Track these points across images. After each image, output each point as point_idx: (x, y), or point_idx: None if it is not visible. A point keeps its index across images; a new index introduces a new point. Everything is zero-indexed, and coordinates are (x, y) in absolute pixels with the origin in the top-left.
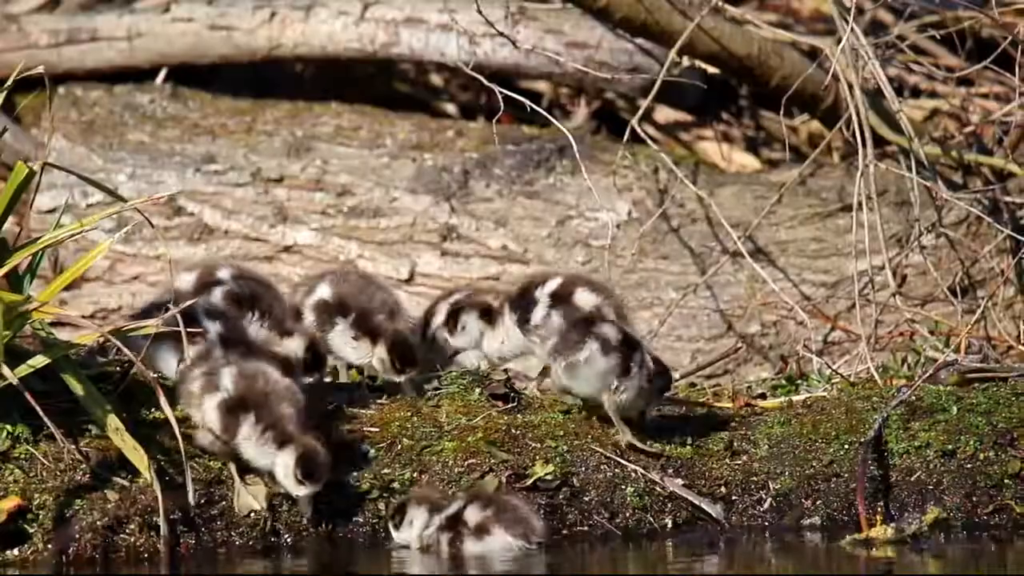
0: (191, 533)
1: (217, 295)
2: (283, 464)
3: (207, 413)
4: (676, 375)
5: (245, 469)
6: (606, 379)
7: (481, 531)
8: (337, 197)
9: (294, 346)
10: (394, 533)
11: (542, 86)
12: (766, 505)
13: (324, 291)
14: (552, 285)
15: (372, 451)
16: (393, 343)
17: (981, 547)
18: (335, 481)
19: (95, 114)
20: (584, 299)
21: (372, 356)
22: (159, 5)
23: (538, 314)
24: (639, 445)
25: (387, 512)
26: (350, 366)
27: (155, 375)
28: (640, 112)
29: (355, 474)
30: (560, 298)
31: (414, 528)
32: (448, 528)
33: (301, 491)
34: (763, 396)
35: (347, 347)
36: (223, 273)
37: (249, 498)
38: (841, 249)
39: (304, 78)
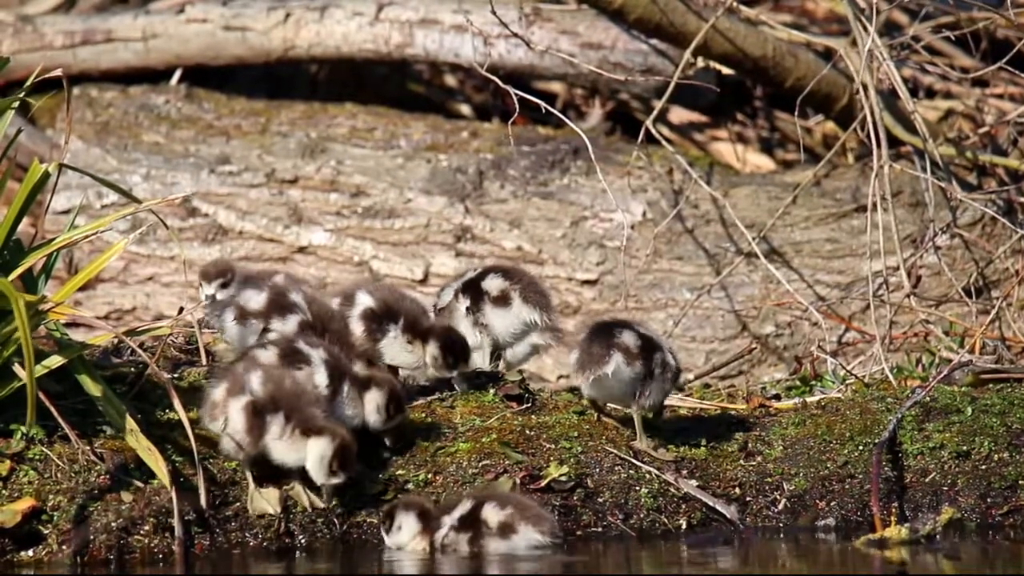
0: (206, 534)
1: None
2: (316, 453)
3: (232, 417)
4: (691, 375)
5: (261, 476)
6: (633, 387)
7: (480, 525)
8: (352, 198)
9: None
10: (385, 538)
11: (556, 87)
12: (780, 506)
13: (367, 300)
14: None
15: (386, 452)
16: (443, 340)
17: (995, 548)
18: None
19: (110, 115)
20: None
21: (424, 357)
22: (174, 6)
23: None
24: (653, 454)
25: (380, 516)
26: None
27: (169, 376)
28: (655, 113)
29: (369, 475)
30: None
31: (403, 533)
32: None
33: (332, 481)
34: (777, 397)
35: (403, 352)
36: (296, 297)
37: (263, 502)
38: (855, 250)
39: (319, 79)
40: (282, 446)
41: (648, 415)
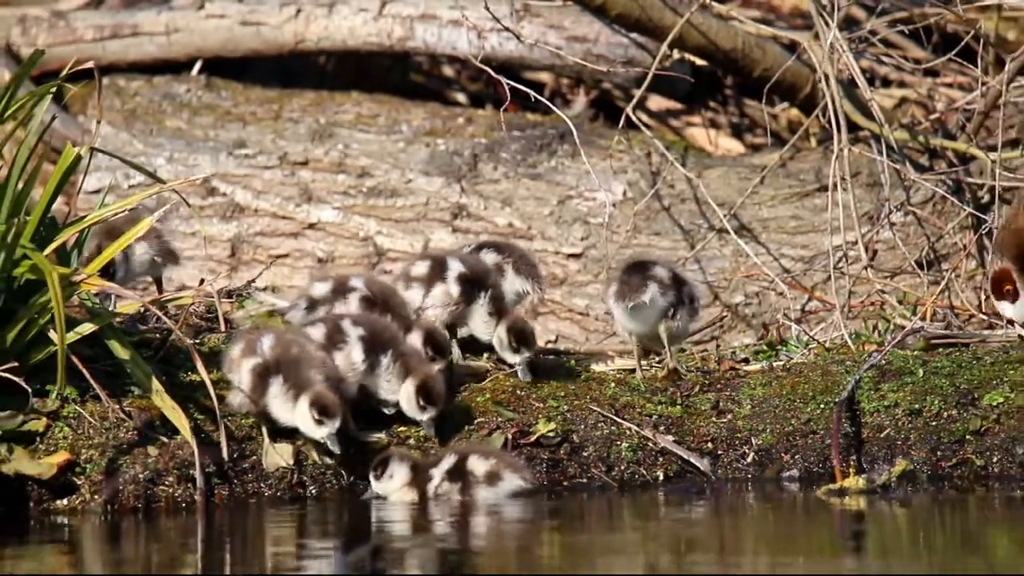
0: (224, 485)
1: (352, 301)
2: (300, 411)
3: (242, 376)
4: None
5: (275, 432)
6: (665, 314)
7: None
8: (357, 179)
9: (415, 339)
10: (376, 484)
11: (545, 77)
12: (749, 459)
13: (459, 265)
14: None
15: (388, 410)
16: (513, 324)
17: (944, 496)
18: (356, 438)
19: (136, 103)
20: None
21: (494, 334)
22: (194, 2)
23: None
24: (681, 370)
25: (372, 464)
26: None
27: (191, 341)
28: (634, 101)
29: (373, 431)
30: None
31: (394, 481)
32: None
33: (321, 431)
34: (746, 361)
35: (482, 322)
36: (356, 281)
37: (276, 456)
38: (818, 226)
39: (327, 70)
40: (279, 404)
41: (677, 342)
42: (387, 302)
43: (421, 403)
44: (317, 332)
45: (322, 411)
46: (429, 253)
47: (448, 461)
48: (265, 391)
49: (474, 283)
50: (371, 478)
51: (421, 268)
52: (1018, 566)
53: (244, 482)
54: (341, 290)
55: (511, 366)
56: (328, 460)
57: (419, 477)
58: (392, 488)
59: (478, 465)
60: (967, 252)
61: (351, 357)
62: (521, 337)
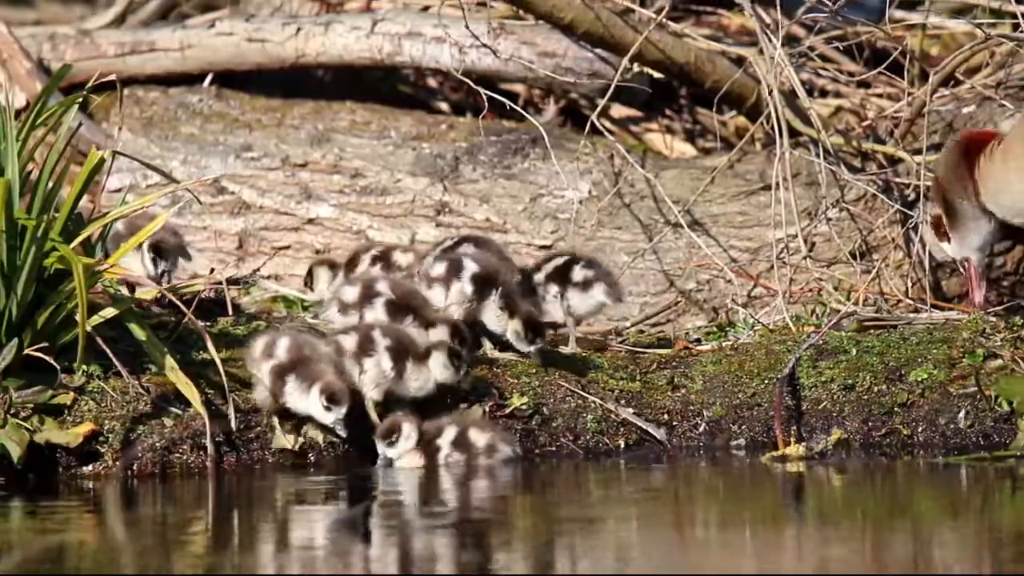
0: (233, 453)
1: (379, 305)
2: (313, 398)
3: (263, 375)
4: (628, 324)
5: (285, 418)
6: None
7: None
8: (351, 179)
9: (440, 334)
10: (388, 451)
11: (519, 88)
12: (701, 429)
13: (473, 266)
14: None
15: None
16: (527, 317)
17: (875, 462)
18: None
19: (153, 111)
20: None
21: (508, 328)
22: (206, 22)
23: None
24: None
25: (380, 432)
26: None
27: (202, 324)
28: (598, 109)
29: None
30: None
31: (410, 441)
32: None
33: (330, 417)
34: (699, 341)
35: (494, 318)
36: (382, 286)
37: (283, 439)
38: (762, 221)
39: (325, 82)
40: (295, 397)
41: None
42: (410, 304)
43: (325, 404)
44: (349, 341)
45: (330, 398)
46: (447, 255)
47: (449, 433)
48: (284, 387)
49: (486, 281)
50: (382, 445)
51: (439, 269)
52: (936, 518)
53: (251, 450)
54: (368, 295)
55: (525, 354)
56: (333, 439)
57: (423, 443)
58: (403, 450)
59: (478, 437)
60: (895, 244)
61: (381, 365)
62: (537, 329)
